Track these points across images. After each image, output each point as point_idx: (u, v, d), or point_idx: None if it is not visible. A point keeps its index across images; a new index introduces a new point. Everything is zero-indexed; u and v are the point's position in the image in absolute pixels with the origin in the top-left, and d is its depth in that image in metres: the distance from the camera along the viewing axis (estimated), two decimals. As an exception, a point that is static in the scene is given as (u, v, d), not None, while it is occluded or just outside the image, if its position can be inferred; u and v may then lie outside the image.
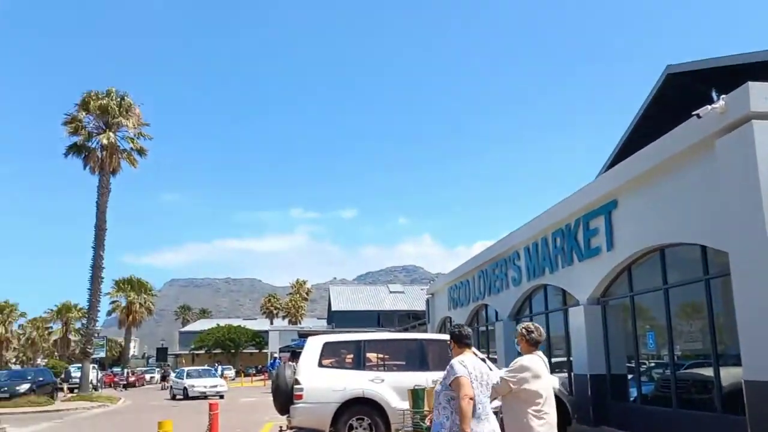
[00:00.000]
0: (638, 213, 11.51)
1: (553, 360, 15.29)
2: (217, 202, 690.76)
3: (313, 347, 11.41)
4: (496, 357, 18.74)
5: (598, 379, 13.04)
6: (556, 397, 5.91)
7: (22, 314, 74.90)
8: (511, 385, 5.01)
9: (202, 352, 73.84)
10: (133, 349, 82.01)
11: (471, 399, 4.49)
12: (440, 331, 26.23)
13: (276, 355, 33.14)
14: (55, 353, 74.58)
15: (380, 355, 11.86)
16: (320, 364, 11.18)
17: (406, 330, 32.55)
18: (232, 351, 71.67)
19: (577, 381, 13.75)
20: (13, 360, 78.53)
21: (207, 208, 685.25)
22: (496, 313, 20.47)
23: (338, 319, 60.13)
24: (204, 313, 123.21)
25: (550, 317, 16.36)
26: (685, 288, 10.62)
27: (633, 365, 12.33)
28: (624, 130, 18.26)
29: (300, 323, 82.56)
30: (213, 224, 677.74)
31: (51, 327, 77.39)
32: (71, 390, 36.11)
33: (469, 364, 4.68)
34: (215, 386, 31.37)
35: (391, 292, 69.61)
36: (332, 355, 11.62)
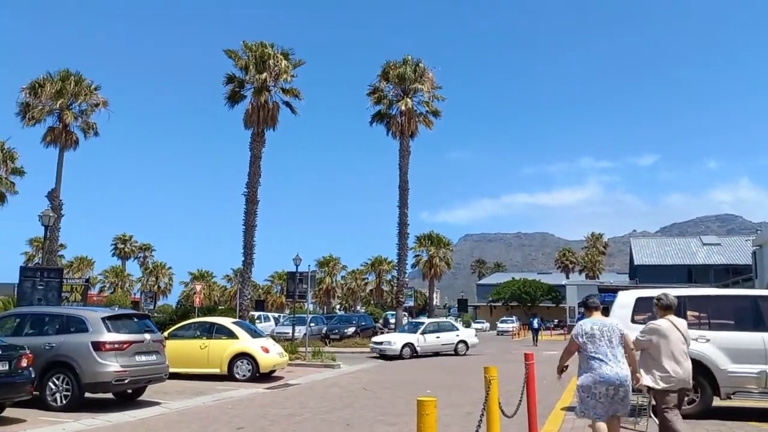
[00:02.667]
0: None
1: None
2: (504, 157, 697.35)
3: (625, 302, 10.67)
4: None
5: None
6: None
7: (343, 267, 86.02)
8: (643, 343, 6.66)
9: (499, 304, 76.00)
10: (436, 300, 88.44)
11: (569, 352, 6.46)
12: (773, 289, 22.56)
13: (583, 310, 31.49)
14: (371, 301, 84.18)
15: (702, 313, 10.53)
16: (633, 320, 10.40)
17: (726, 286, 28.89)
18: (528, 304, 72.31)
19: None
20: (338, 307, 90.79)
21: (494, 163, 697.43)
22: None
23: (642, 274, 56.15)
24: (498, 267, 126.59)
25: None
26: None
27: None
28: None
29: (598, 278, 79.39)
30: (501, 180, 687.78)
31: (366, 278, 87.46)
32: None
33: (586, 324, 6.31)
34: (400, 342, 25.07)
35: (704, 244, 62.44)
36: (646, 311, 10.66)
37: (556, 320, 65.72)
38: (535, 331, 40.48)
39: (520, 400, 6.87)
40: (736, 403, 10.18)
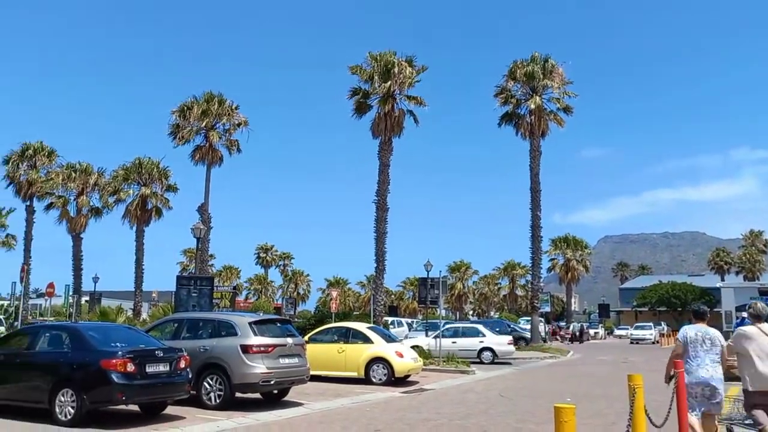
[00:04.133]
0: None
1: None
2: (642, 152, 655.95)
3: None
4: None
5: None
6: None
7: (475, 272, 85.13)
8: (733, 348, 6.94)
9: (645, 309, 71.56)
10: (574, 305, 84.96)
11: (677, 354, 7.17)
12: None
13: (743, 314, 28.25)
14: (505, 307, 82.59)
15: None
16: (797, 325, 9.32)
17: None
18: (679, 309, 67.38)
19: None
20: (470, 312, 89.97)
21: (632, 160, 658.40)
22: None
23: (811, 275, 50.39)
24: (643, 270, 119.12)
25: None
26: None
27: None
28: None
29: (758, 279, 72.28)
30: (640, 176, 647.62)
31: (499, 283, 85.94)
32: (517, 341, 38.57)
33: (691, 330, 7.24)
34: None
35: None
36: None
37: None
38: None
39: (669, 410, 6.41)
40: None
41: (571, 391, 14.68)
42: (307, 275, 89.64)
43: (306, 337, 16.05)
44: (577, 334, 52.80)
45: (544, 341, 38.54)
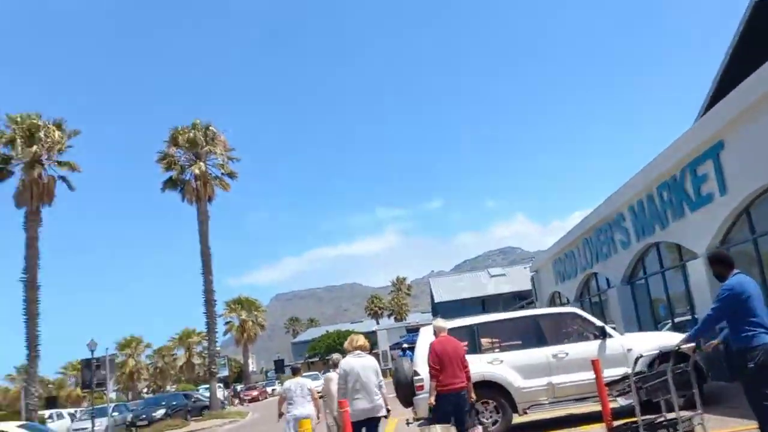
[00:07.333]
0: (748, 150, 10.67)
1: (677, 319, 14.51)
2: (305, 214, 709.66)
3: (426, 337, 11.31)
4: (614, 325, 17.95)
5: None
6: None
7: (148, 345, 79.72)
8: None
9: (317, 359, 75.93)
10: (252, 365, 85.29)
11: (280, 402, 10.02)
12: (550, 307, 25.57)
13: (399, 352, 31.38)
14: (182, 378, 78.88)
15: (494, 338, 11.57)
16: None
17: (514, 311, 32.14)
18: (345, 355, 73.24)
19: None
20: (145, 390, 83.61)
21: (296, 221, 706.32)
22: (607, 280, 19.69)
23: (443, 310, 59.86)
24: (312, 323, 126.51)
25: (667, 275, 15.52)
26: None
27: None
28: (717, 68, 17.10)
29: (405, 319, 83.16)
30: (304, 236, 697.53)
31: (175, 354, 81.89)
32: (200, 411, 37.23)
33: (288, 383, 9.99)
34: None
35: (491, 276, 68.58)
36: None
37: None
38: None
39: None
40: (532, 417, 10.87)
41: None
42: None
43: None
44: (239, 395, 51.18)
45: (224, 407, 37.88)
